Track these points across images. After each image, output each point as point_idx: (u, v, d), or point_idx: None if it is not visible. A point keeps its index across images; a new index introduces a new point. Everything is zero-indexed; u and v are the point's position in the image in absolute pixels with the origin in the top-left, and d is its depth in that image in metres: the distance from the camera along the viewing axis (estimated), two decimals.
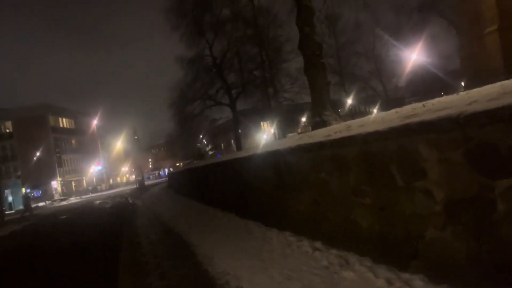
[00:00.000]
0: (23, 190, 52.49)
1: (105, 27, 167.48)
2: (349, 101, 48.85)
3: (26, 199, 26.89)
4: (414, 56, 40.28)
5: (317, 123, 12.62)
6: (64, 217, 19.34)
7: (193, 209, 11.52)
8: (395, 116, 3.76)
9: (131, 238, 8.38)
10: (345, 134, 4.08)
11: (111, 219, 14.08)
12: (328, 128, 6.73)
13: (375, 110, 47.43)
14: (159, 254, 6.32)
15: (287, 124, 46.29)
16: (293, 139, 6.15)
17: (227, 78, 39.70)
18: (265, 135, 61.86)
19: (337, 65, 46.18)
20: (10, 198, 43.75)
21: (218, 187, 10.34)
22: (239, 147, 41.13)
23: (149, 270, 5.36)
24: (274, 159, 6.01)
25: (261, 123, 63.53)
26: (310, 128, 15.94)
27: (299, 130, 55.41)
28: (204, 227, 7.92)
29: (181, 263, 5.46)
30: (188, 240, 6.94)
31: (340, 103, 47.26)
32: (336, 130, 4.79)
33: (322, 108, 12.83)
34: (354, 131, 3.96)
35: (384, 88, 51.18)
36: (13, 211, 38.15)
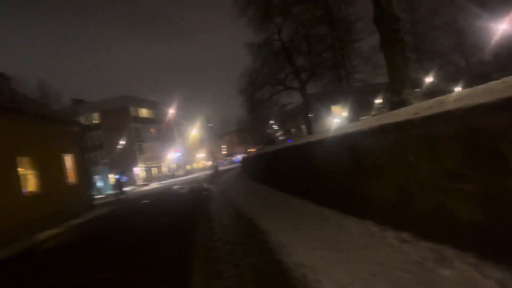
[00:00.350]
0: (112, 175, 57.12)
1: (179, 19, 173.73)
2: (428, 79, 45.44)
3: (120, 181, 29.55)
4: (501, 26, 36.03)
5: (395, 103, 11.68)
6: (145, 201, 20.48)
7: (265, 195, 11.37)
8: (503, 86, 3.10)
9: (205, 223, 8.42)
10: (438, 110, 3.49)
11: (187, 204, 14.52)
12: (413, 106, 6.04)
13: (458, 88, 43.49)
14: (231, 240, 6.20)
15: (360, 106, 44.41)
16: (371, 120, 5.58)
17: (296, 62, 38.95)
18: (336, 118, 60.16)
19: (413, 41, 42.93)
20: (99, 184, 47.64)
21: (290, 173, 10.02)
22: (309, 132, 40.44)
23: (221, 257, 5.24)
24: (351, 141, 5.52)
25: (332, 107, 61.77)
26: (387, 109, 14.87)
27: (373, 113, 52.94)
28: (277, 213, 7.68)
29: (253, 250, 5.26)
30: (261, 226, 6.74)
31: (418, 83, 44.17)
32: (424, 107, 4.17)
33: (401, 86, 11.82)
34: (449, 106, 3.36)
35: (467, 63, 46.71)
36: (103, 195, 41.48)
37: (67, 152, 18.21)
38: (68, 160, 18.37)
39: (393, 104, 12.06)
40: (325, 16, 37.94)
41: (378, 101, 55.35)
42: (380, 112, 44.33)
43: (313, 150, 7.49)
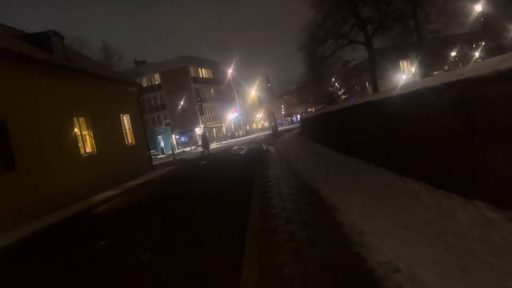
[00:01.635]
0: (173, 136, 58.58)
1: None
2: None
3: (204, 138, 29.75)
4: None
5: (491, 49, 9.58)
6: (203, 162, 20.08)
7: (328, 158, 10.05)
8: None
9: (262, 193, 7.38)
10: None
11: (244, 167, 13.66)
12: None
13: None
14: (293, 219, 5.07)
15: (432, 61, 40.54)
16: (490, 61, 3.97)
17: (361, 13, 35.80)
18: (405, 75, 56.05)
19: None
20: (162, 144, 48.79)
21: (360, 135, 8.57)
22: (376, 89, 37.73)
23: (280, 243, 4.14)
24: (458, 95, 3.99)
25: (400, 62, 57.44)
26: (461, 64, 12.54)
27: (446, 67, 48.36)
28: (346, 183, 6.40)
29: (321, 237, 4.09)
30: (328, 201, 5.53)
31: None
32: None
33: (499, 28, 9.61)
34: None
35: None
36: (163, 155, 42.42)
37: (125, 112, 18.01)
38: (126, 121, 18.21)
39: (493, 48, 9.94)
40: None
41: (454, 53, 50.24)
42: (455, 66, 39.97)
43: (393, 108, 5.99)
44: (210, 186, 10.56)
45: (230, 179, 11.26)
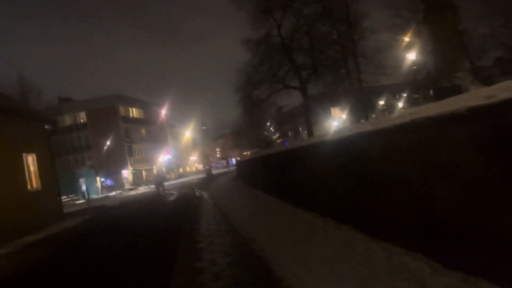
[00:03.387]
0: (98, 179, 53.81)
1: (175, 24, 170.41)
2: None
3: (160, 175, 26.63)
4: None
5: (444, 89, 8.85)
6: (124, 211, 17.38)
7: (272, 209, 8.41)
8: None
9: (189, 262, 5.43)
10: None
11: (172, 218, 11.44)
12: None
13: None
14: None
15: (361, 108, 42.00)
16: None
17: (296, 59, 36.40)
18: (336, 121, 57.80)
19: None
20: (83, 187, 44.27)
21: (311, 181, 7.09)
22: (310, 134, 37.82)
23: None
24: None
25: (331, 109, 59.29)
26: (424, 101, 11.99)
27: (374, 115, 50.63)
28: (305, 250, 4.73)
29: None
30: (287, 282, 3.78)
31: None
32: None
33: (453, 67, 8.97)
34: None
35: (473, 65, 44.27)
36: (84, 201, 38.16)
37: (29, 151, 15.11)
38: (31, 161, 15.28)
39: (440, 90, 9.21)
40: (327, 11, 35.56)
41: (382, 102, 52.88)
42: (382, 114, 41.62)
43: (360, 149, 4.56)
44: (121, 248, 8.23)
45: (150, 237, 8.92)
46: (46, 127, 17.09)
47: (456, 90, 8.61)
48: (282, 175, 9.29)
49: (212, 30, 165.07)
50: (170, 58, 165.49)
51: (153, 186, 31.65)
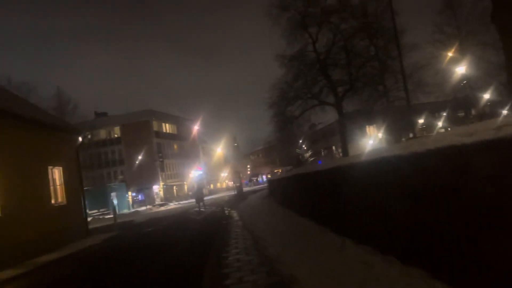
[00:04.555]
0: (129, 193, 53.93)
1: (213, 44, 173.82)
2: None
3: (199, 190, 25.92)
4: None
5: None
6: (149, 229, 16.49)
7: (313, 238, 7.18)
8: None
9: None
10: None
11: (197, 242, 10.30)
12: None
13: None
14: None
15: (399, 127, 40.17)
16: None
17: (332, 75, 35.26)
18: (371, 140, 55.73)
19: None
20: (115, 201, 44.29)
21: (359, 207, 5.86)
22: (345, 153, 36.29)
23: None
24: None
25: (366, 127, 57.34)
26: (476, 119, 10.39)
27: (411, 135, 48.30)
28: None
29: None
30: None
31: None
32: None
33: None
34: None
35: None
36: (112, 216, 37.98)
37: (56, 164, 14.63)
38: (58, 175, 14.79)
39: None
40: (365, 26, 34.42)
41: (421, 121, 50.45)
42: (422, 134, 39.68)
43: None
44: (136, 276, 7.19)
45: (170, 265, 7.68)
46: (73, 137, 16.63)
47: None
48: (323, 198, 8.06)
49: (248, 49, 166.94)
50: (206, 76, 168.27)
51: (193, 200, 30.65)
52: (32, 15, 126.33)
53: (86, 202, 42.30)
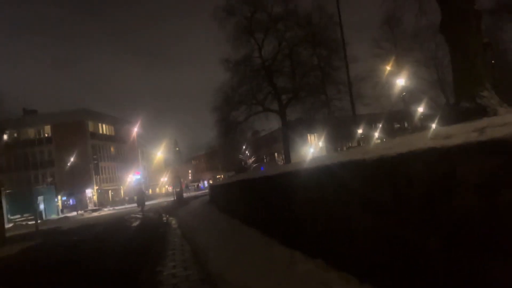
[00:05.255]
0: (59, 197, 50.02)
1: (157, 47, 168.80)
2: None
3: (140, 193, 28.08)
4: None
5: (466, 110, 7.41)
6: (77, 238, 14.92)
7: (261, 251, 6.56)
8: None
9: None
10: None
11: (130, 253, 9.24)
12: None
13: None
14: None
15: (338, 137, 41.39)
16: None
17: (276, 82, 35.48)
18: (312, 148, 56.93)
19: None
20: (41, 206, 40.75)
21: (312, 216, 5.37)
22: (288, 159, 36.52)
23: None
24: None
25: (308, 136, 58.59)
26: (445, 121, 10.58)
27: (349, 144, 49.98)
28: None
29: None
30: None
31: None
32: None
33: (476, 85, 7.57)
34: None
35: (447, 100, 44.76)
36: (41, 221, 34.82)
37: None
38: None
39: (461, 112, 7.75)
40: (310, 36, 35.06)
41: (360, 131, 52.26)
42: (359, 144, 41.37)
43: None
44: None
45: (95, 281, 6.68)
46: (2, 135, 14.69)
47: (481, 111, 7.16)
48: (269, 206, 7.50)
49: (192, 54, 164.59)
50: (148, 79, 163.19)
51: (129, 206, 32.08)
52: None
53: (8, 207, 38.71)
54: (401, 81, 33.18)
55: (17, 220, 33.27)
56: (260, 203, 8.45)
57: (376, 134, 59.23)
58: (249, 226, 9.41)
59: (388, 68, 38.52)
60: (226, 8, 32.18)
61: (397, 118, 55.22)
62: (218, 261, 6.23)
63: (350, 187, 4.03)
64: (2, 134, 15.59)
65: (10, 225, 30.01)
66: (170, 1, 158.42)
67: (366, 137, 57.17)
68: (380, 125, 56.79)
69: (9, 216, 36.37)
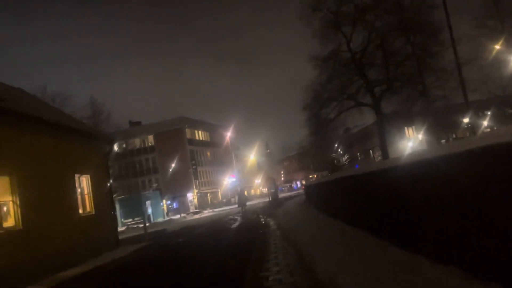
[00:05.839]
0: (164, 201, 53.78)
1: (247, 53, 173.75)
2: None
3: (242, 195, 29.09)
4: None
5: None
6: (181, 240, 15.51)
7: (373, 254, 5.85)
8: None
9: None
10: None
11: (231, 257, 8.99)
12: None
13: None
14: None
15: (439, 129, 37.63)
16: None
17: (368, 75, 33.52)
18: (411, 142, 53.01)
19: None
20: (149, 210, 44.06)
21: (437, 216, 4.54)
22: (385, 155, 34.28)
23: None
24: None
25: (405, 129, 54.78)
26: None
27: (454, 136, 45.39)
28: None
29: None
30: None
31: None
32: None
33: None
34: None
35: None
36: (149, 224, 37.56)
37: (83, 172, 13.98)
38: (85, 183, 14.13)
39: None
40: (401, 23, 32.52)
41: (466, 120, 47.45)
42: (465, 134, 36.85)
43: None
44: None
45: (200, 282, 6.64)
46: (102, 144, 15.99)
47: None
48: (380, 204, 6.71)
49: (283, 55, 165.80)
50: (240, 84, 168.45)
51: (227, 208, 32.92)
52: (73, 30, 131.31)
53: (121, 211, 42.51)
54: None
55: (129, 223, 36.25)
56: (366, 202, 7.69)
57: (485, 123, 53.10)
58: (354, 226, 8.68)
59: (497, 47, 34.13)
60: (312, 4, 31.35)
61: (509, 103, 48.86)
62: (326, 265, 5.66)
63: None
64: (113, 145, 16.90)
65: (124, 228, 32.79)
66: (253, 7, 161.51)
67: (474, 127, 51.54)
68: (490, 112, 50.71)
69: (122, 220, 39.95)
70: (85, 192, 14.06)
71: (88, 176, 14.25)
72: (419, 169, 4.70)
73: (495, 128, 42.59)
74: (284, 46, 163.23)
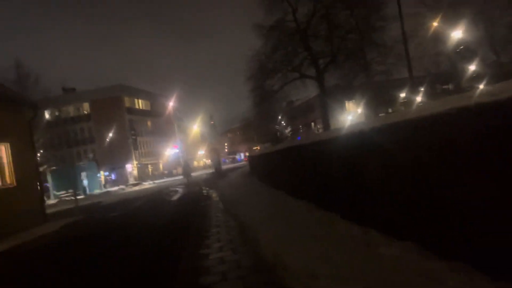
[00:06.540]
0: (102, 172, 51.24)
1: (188, 19, 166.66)
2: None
3: (186, 166, 29.57)
4: None
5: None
6: (116, 214, 14.54)
7: (324, 229, 5.54)
8: None
9: None
10: None
11: (169, 233, 8.32)
12: None
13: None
14: None
15: (378, 103, 39.03)
16: None
17: (313, 47, 33.40)
18: (350, 116, 54.79)
19: None
20: (85, 182, 41.75)
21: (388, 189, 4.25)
22: (327, 127, 34.93)
23: None
24: None
25: (346, 103, 56.60)
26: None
27: (390, 110, 47.44)
28: None
29: None
30: None
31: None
32: None
33: None
34: None
35: (497, 58, 40.71)
36: (84, 196, 35.60)
37: (0, 140, 12.39)
38: (4, 152, 12.58)
39: None
40: None
41: (402, 95, 49.63)
42: (400, 109, 38.60)
43: None
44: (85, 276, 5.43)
45: (134, 261, 5.98)
46: (23, 109, 14.28)
47: None
48: (327, 175, 6.39)
49: (225, 24, 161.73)
50: (181, 52, 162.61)
51: (168, 179, 33.09)
52: None
53: (53, 184, 39.81)
54: (457, 34, 30.35)
55: (62, 195, 34.15)
56: (311, 173, 7.36)
57: (419, 98, 55.88)
58: (297, 198, 8.41)
59: (435, 24, 35.44)
60: None
61: (441, 80, 51.71)
62: (271, 241, 5.24)
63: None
64: (37, 111, 15.20)
65: (56, 200, 30.79)
66: None
67: (409, 102, 54.16)
68: (423, 89, 53.34)
69: (54, 192, 37.50)
70: (4, 161, 12.53)
71: (8, 144, 12.68)
72: (360, 139, 4.37)
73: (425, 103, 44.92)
74: (229, 14, 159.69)
